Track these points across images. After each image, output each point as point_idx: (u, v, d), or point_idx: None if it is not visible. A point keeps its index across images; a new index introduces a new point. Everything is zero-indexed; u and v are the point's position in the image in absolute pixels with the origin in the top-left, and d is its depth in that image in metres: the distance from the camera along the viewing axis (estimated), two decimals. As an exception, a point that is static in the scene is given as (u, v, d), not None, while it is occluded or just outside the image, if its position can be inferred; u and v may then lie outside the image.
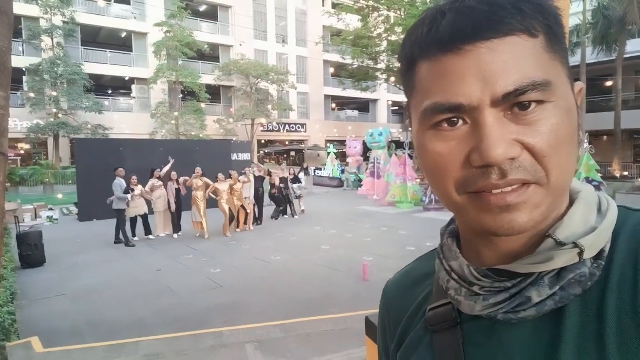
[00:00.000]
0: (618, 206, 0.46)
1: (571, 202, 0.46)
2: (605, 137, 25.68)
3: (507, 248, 0.45)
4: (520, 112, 0.40)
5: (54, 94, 22.67)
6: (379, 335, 0.66)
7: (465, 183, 0.42)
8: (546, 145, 0.39)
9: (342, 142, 29.32)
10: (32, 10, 22.70)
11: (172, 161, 10.05)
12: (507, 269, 0.44)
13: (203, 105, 27.36)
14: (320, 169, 24.35)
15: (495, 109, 0.40)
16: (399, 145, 16.17)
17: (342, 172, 22.96)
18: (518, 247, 0.45)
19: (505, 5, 0.39)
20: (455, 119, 0.42)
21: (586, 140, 11.59)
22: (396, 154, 14.33)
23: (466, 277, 0.48)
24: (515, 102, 0.39)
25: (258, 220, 11.00)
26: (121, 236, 8.92)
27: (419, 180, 14.02)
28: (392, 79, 24.49)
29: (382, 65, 24.26)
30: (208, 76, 28.65)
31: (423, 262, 0.62)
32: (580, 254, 0.41)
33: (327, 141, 33.35)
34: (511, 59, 0.39)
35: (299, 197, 12.76)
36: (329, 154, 24.67)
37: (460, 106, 0.40)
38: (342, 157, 28.68)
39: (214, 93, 29.70)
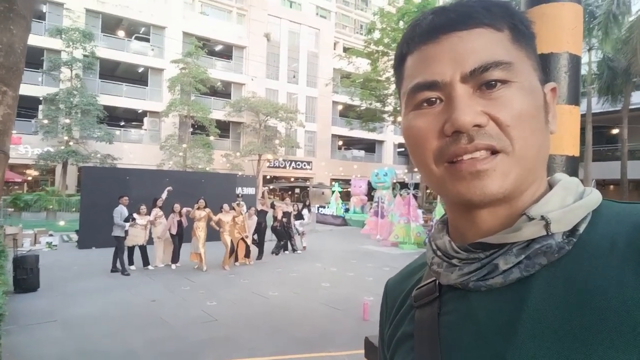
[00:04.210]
0: (604, 199, 0.49)
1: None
2: (611, 187, 25.52)
3: (487, 226, 0.49)
4: (487, 90, 0.45)
5: (67, 121, 23.16)
6: (379, 329, 0.68)
7: (441, 152, 0.47)
8: (509, 117, 0.45)
9: (347, 181, 29.34)
10: (55, 43, 23.68)
11: (168, 189, 10.02)
12: (482, 241, 0.48)
13: (212, 139, 27.78)
14: (324, 207, 24.23)
15: (465, 84, 0.46)
16: (403, 185, 16.13)
17: (346, 210, 22.82)
18: (497, 226, 0.48)
19: (476, 7, 0.47)
20: (433, 99, 0.47)
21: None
22: (400, 194, 14.28)
23: (448, 251, 0.52)
24: (482, 81, 0.45)
25: (259, 254, 10.83)
26: (118, 265, 8.78)
27: (422, 221, 13.85)
28: (399, 120, 24.84)
29: (389, 108, 24.73)
30: (219, 112, 29.28)
31: (423, 257, 0.65)
32: (547, 226, 0.44)
33: (332, 179, 33.42)
34: (478, 45, 0.46)
35: (301, 234, 12.62)
36: (333, 192, 24.65)
37: (435, 82, 0.47)
38: (346, 195, 28.62)
39: (224, 128, 30.21)
